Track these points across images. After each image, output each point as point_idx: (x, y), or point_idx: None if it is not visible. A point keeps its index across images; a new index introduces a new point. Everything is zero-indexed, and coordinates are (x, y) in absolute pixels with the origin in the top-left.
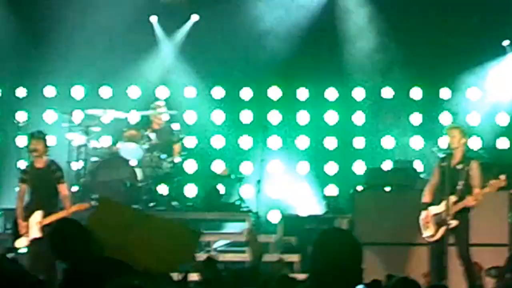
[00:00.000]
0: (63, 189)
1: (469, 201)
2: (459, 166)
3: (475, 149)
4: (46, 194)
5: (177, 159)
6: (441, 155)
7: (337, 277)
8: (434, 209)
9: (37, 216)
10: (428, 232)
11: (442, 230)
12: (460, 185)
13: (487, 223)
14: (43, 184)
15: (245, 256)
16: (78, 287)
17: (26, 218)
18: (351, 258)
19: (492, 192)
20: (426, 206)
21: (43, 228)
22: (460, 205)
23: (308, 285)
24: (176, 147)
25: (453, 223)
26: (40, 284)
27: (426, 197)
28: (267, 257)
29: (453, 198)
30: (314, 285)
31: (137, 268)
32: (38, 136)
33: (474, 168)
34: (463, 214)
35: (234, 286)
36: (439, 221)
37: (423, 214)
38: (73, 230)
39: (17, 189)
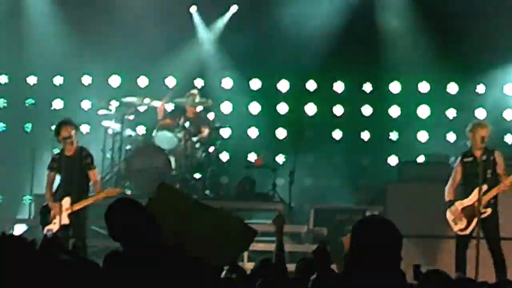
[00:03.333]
0: (93, 175)
1: (502, 187)
2: (484, 157)
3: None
4: (76, 180)
5: (211, 149)
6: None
7: (373, 264)
8: (462, 203)
9: (66, 202)
10: (459, 226)
11: (474, 221)
12: (489, 173)
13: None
14: (73, 171)
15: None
16: (125, 270)
17: (55, 204)
18: (390, 247)
19: None
20: (450, 203)
21: (71, 214)
22: (494, 191)
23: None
24: (211, 136)
25: (487, 211)
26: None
27: (449, 195)
28: (299, 248)
29: (484, 187)
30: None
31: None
32: (69, 123)
33: (498, 156)
34: (493, 204)
35: None
36: (471, 213)
37: (450, 211)
38: (132, 209)
39: (46, 176)
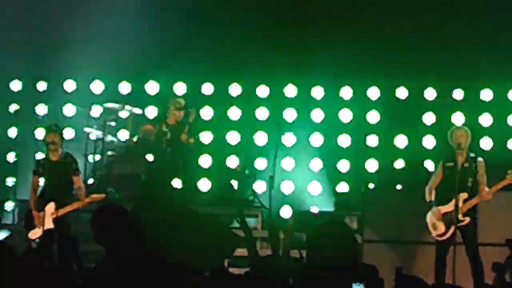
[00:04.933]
0: (77, 180)
1: (482, 198)
2: (466, 165)
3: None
4: (61, 186)
5: (191, 154)
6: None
7: (331, 270)
8: (442, 209)
9: (51, 207)
10: (437, 231)
11: (452, 228)
12: (469, 182)
13: (493, 223)
14: (58, 176)
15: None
16: (109, 276)
17: (40, 209)
18: (346, 252)
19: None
20: (432, 204)
21: (56, 219)
22: (474, 201)
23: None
24: (190, 140)
25: (466, 220)
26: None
27: (429, 195)
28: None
29: (464, 196)
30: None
31: (174, 261)
32: (54, 129)
33: (480, 165)
34: (472, 212)
35: None
36: (449, 220)
37: (431, 213)
38: (117, 215)
39: (31, 181)
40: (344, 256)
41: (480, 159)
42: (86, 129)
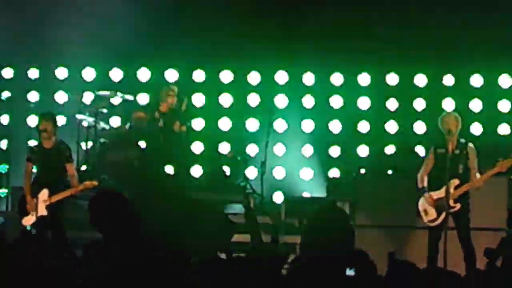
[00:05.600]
0: (70, 168)
1: (473, 184)
2: (457, 151)
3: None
4: (54, 173)
5: (184, 141)
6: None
7: (326, 254)
8: (434, 195)
9: (44, 194)
10: (429, 217)
11: (443, 214)
12: (460, 169)
13: (484, 208)
14: (51, 164)
15: (246, 237)
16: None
17: (33, 196)
18: (341, 237)
19: (504, 170)
20: (424, 190)
21: (49, 206)
22: (465, 187)
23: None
24: (182, 128)
25: (457, 206)
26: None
27: (421, 182)
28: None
29: (455, 182)
30: (304, 262)
31: (172, 248)
32: (48, 117)
33: (471, 151)
34: (464, 198)
35: None
36: (441, 206)
37: (423, 198)
38: (115, 202)
39: (24, 168)
40: (340, 243)
41: (470, 145)
42: (78, 116)
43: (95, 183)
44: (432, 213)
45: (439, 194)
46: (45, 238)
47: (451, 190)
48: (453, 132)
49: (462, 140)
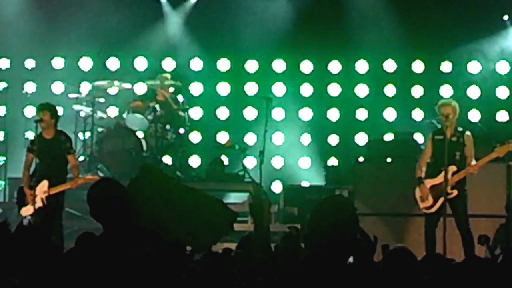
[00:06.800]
0: (72, 159)
1: (469, 170)
2: (454, 138)
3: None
4: (54, 164)
5: (181, 130)
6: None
7: (331, 244)
8: (431, 181)
9: (44, 185)
10: (425, 204)
11: (440, 201)
12: (457, 155)
13: (484, 194)
14: (51, 155)
15: (247, 226)
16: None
17: (33, 187)
18: (346, 227)
19: (502, 155)
20: (421, 180)
21: (49, 197)
22: (462, 174)
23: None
24: (181, 118)
25: (454, 192)
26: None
27: (419, 172)
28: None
29: (452, 168)
30: (310, 251)
31: (168, 239)
32: (45, 107)
33: (468, 138)
34: (461, 184)
35: None
36: (438, 192)
37: (419, 187)
38: (115, 190)
39: (24, 158)
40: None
41: (468, 133)
42: (75, 107)
43: (96, 177)
44: (429, 199)
45: (436, 180)
46: (44, 228)
47: (449, 177)
48: (450, 119)
49: (460, 128)
